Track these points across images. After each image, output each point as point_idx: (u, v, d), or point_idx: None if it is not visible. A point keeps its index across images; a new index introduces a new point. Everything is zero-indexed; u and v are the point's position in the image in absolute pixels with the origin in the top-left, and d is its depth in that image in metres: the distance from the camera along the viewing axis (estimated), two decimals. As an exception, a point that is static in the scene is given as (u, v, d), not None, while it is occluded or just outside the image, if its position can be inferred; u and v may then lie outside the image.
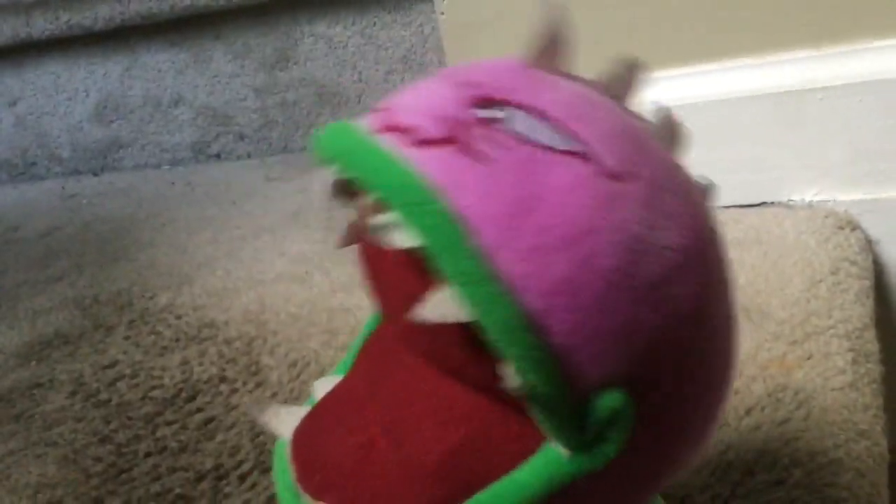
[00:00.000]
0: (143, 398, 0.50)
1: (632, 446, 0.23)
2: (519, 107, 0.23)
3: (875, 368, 0.45)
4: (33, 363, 0.57)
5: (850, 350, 0.43)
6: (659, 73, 0.63)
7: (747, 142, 0.61)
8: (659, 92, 0.63)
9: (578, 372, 0.22)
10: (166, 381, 0.51)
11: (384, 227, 0.22)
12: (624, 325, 0.22)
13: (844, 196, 0.60)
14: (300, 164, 0.94)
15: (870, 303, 0.50)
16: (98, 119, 1.07)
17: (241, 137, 1.00)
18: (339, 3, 0.91)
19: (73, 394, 0.52)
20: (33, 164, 1.13)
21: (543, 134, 0.23)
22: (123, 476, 0.43)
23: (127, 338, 0.58)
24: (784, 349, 0.43)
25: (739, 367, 0.42)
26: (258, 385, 0.49)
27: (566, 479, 0.23)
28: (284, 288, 0.61)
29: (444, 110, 0.23)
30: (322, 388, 0.29)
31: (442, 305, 0.21)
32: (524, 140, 0.22)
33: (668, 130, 0.25)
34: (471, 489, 0.23)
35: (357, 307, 0.55)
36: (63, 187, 1.06)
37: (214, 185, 0.93)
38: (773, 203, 0.61)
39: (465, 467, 0.24)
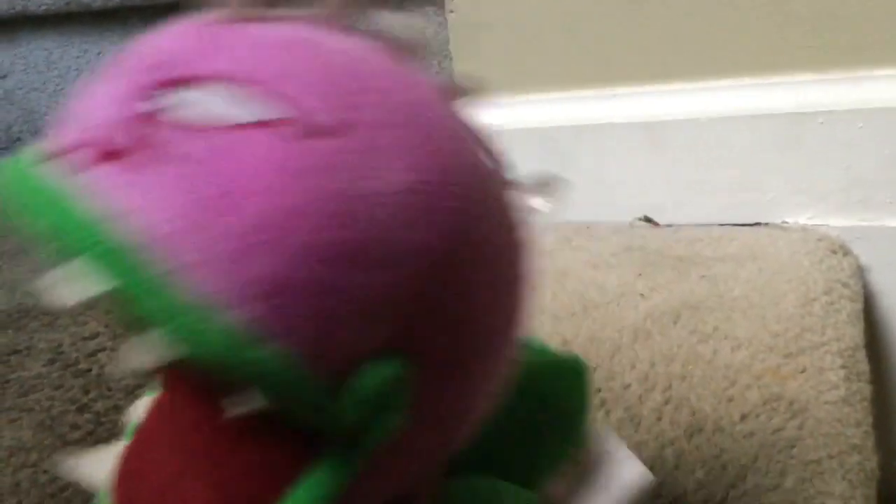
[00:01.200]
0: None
1: (422, 406, 0.21)
2: (205, 80, 0.20)
3: (866, 387, 0.45)
4: (10, 331, 0.56)
5: (843, 367, 0.43)
6: (659, 88, 0.64)
7: (744, 162, 0.62)
8: (659, 107, 0.63)
9: (322, 362, 0.19)
10: (148, 355, 0.50)
11: (55, 284, 0.19)
12: (354, 295, 0.19)
13: (838, 221, 0.60)
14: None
15: (860, 325, 0.51)
16: (88, 99, 1.06)
17: (233, 127, 1.00)
18: None
19: (51, 362, 0.51)
20: (17, 139, 1.12)
21: (234, 107, 0.20)
22: (101, 444, 0.42)
23: (109, 311, 0.57)
24: (778, 361, 0.43)
25: (735, 376, 0.42)
26: (244, 364, 0.48)
27: (353, 467, 0.21)
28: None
29: (114, 114, 0.20)
30: (136, 411, 0.27)
31: (142, 349, 0.19)
32: (210, 126, 0.19)
33: (396, 40, 0.23)
34: None
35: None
36: (47, 165, 1.05)
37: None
38: (767, 224, 0.62)
39: None
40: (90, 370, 0.49)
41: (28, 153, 0.21)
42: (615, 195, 0.64)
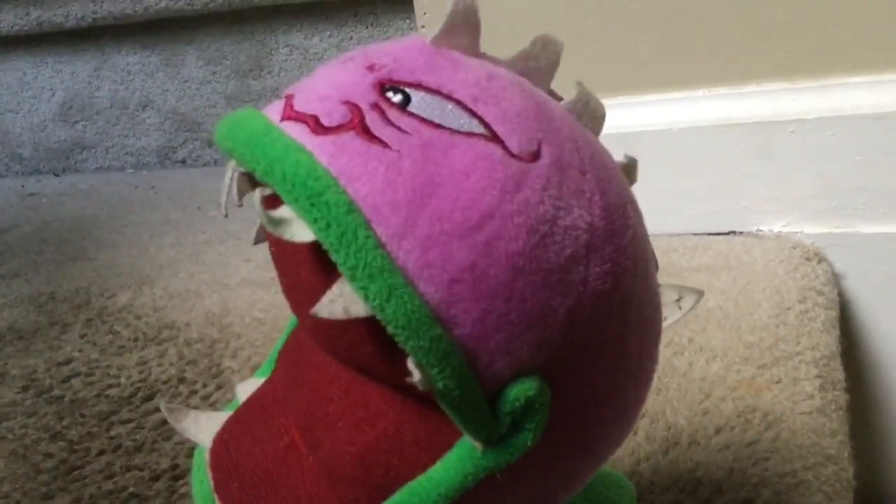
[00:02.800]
0: (97, 396, 0.48)
1: (549, 437, 0.22)
2: (422, 88, 0.22)
3: (841, 396, 0.45)
4: (-16, 357, 0.56)
5: (818, 376, 0.44)
6: (633, 99, 0.64)
7: (718, 171, 0.62)
8: (632, 117, 0.64)
9: (488, 362, 0.21)
10: (123, 380, 0.50)
11: (281, 222, 0.21)
12: (533, 312, 0.21)
13: (812, 229, 0.60)
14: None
15: (835, 333, 0.51)
16: (63, 119, 1.05)
17: (209, 144, 0.99)
18: (316, 16, 0.91)
19: (24, 389, 0.50)
20: (-8, 161, 1.11)
21: (446, 115, 0.22)
22: (75, 473, 0.41)
23: (83, 336, 0.57)
24: (753, 372, 0.43)
25: (709, 388, 0.42)
26: (219, 387, 0.48)
27: (481, 473, 0.22)
28: (249, 292, 0.60)
29: (345, 95, 0.22)
30: (245, 390, 0.28)
31: (340, 301, 0.20)
32: (426, 122, 0.22)
33: (586, 107, 0.25)
34: (387, 489, 0.23)
35: (323, 314, 0.54)
36: (23, 186, 1.04)
37: (179, 191, 0.91)
38: (741, 232, 0.62)
39: (381, 467, 0.23)
40: (63, 397, 0.49)
41: (254, 111, 0.23)
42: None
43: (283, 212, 0.20)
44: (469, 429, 0.21)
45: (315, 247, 0.21)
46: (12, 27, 1.01)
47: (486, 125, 0.22)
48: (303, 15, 0.91)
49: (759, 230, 0.62)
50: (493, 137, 0.22)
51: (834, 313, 0.52)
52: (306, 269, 0.22)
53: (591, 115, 0.25)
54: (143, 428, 0.45)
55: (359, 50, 0.24)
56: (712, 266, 0.55)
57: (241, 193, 0.23)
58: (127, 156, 1.03)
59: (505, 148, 0.21)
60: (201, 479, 0.26)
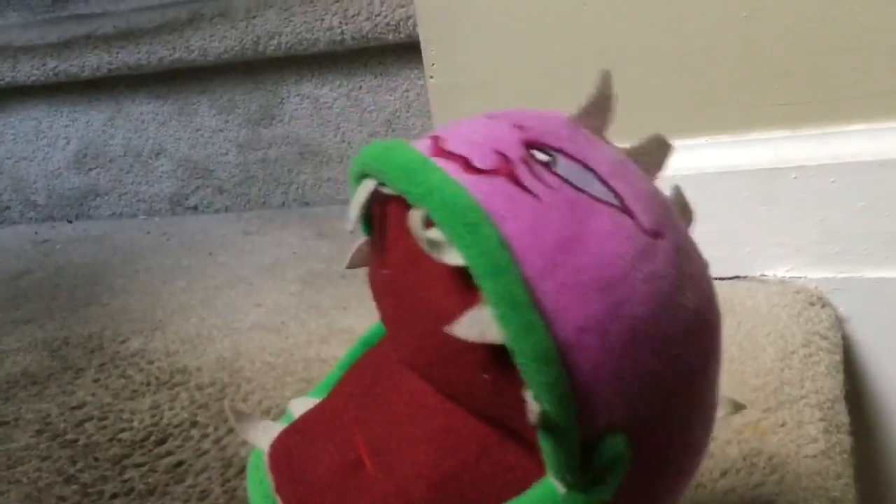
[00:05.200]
0: (110, 440, 0.49)
1: (621, 492, 0.23)
2: (566, 154, 0.24)
3: (846, 439, 0.45)
4: (-2, 402, 0.56)
5: (822, 420, 0.44)
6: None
7: (722, 216, 0.63)
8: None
9: (592, 411, 0.22)
10: (136, 423, 0.51)
11: (435, 243, 0.22)
12: (640, 373, 0.22)
13: (815, 274, 0.61)
14: (278, 220, 0.94)
15: (840, 377, 0.51)
16: (77, 167, 1.07)
17: (220, 191, 1.01)
18: (327, 66, 0.93)
19: (38, 433, 0.51)
20: (6, 208, 1.12)
21: (587, 182, 0.24)
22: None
23: (96, 380, 0.57)
24: (758, 416, 0.44)
25: (715, 431, 0.43)
26: (230, 431, 0.49)
27: None
28: (260, 337, 0.61)
29: (496, 144, 0.24)
30: (298, 407, 0.29)
31: (479, 324, 0.22)
32: (569, 184, 0.23)
33: (681, 205, 0.27)
34: None
35: (334, 358, 0.55)
36: (36, 232, 1.05)
37: (191, 236, 0.92)
38: (745, 277, 0.62)
39: (457, 496, 0.24)
40: (77, 441, 0.49)
41: (402, 142, 0.25)
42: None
43: (435, 234, 0.22)
44: (560, 470, 0.23)
45: (454, 272, 0.22)
46: (29, 77, 1.03)
47: (620, 198, 0.24)
48: (313, 65, 0.93)
49: (762, 275, 0.62)
50: (626, 210, 0.24)
51: (838, 357, 0.53)
52: (440, 292, 0.23)
53: (687, 219, 0.27)
54: (156, 471, 0.45)
55: (503, 112, 0.26)
56: (717, 310, 0.56)
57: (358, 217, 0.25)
58: (139, 202, 1.05)
59: (637, 222, 0.24)
60: (260, 479, 0.28)
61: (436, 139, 0.25)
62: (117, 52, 0.97)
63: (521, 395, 0.22)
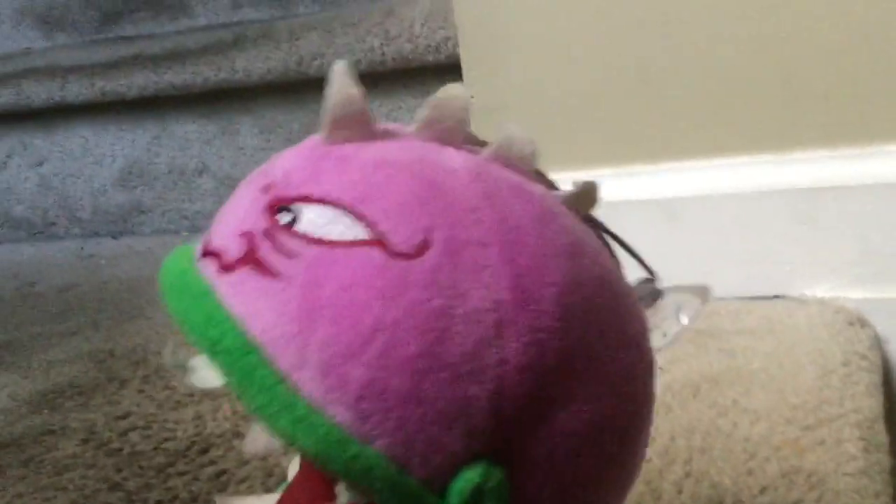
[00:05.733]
0: (155, 449, 0.50)
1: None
2: (309, 200, 0.23)
3: (885, 459, 0.45)
4: (45, 411, 0.58)
5: (862, 439, 0.44)
6: (677, 165, 0.65)
7: (762, 236, 0.63)
8: (676, 183, 0.65)
9: (421, 464, 0.21)
10: (179, 433, 0.52)
11: (195, 369, 0.22)
12: (450, 408, 0.21)
13: (855, 294, 0.61)
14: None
15: (879, 396, 0.51)
16: (122, 184, 1.09)
17: (261, 209, 1.02)
18: (367, 86, 0.93)
19: (84, 441, 0.52)
20: (53, 223, 1.15)
21: (332, 226, 0.22)
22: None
23: (141, 391, 0.59)
24: (797, 433, 0.44)
25: (754, 449, 0.43)
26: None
27: None
28: (300, 351, 0.62)
29: (242, 225, 0.23)
30: (293, 470, 0.29)
31: (262, 438, 0.22)
32: (311, 241, 0.22)
33: (510, 150, 0.25)
34: None
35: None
36: (81, 248, 1.08)
37: (232, 253, 0.94)
38: (785, 296, 0.62)
39: None
40: (122, 449, 0.51)
41: (187, 249, 0.24)
42: (633, 271, 0.65)
43: (197, 361, 0.22)
44: None
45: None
46: (77, 96, 1.06)
47: (369, 225, 0.22)
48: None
49: (802, 294, 0.62)
50: (376, 241, 0.22)
51: (878, 377, 0.53)
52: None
53: (519, 156, 0.25)
54: (199, 480, 0.46)
55: (262, 168, 0.25)
56: (756, 329, 0.56)
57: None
58: (182, 219, 1.07)
59: (387, 250, 0.22)
60: None
61: (207, 233, 0.24)
62: (164, 73, 0.99)
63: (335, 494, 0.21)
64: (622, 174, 0.67)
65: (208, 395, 0.57)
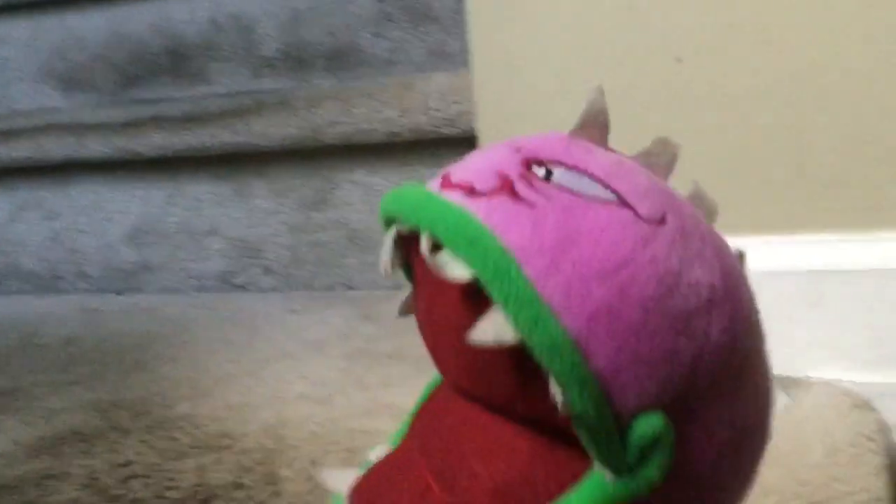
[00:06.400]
0: (156, 497, 0.50)
1: (672, 476, 0.24)
2: (563, 165, 0.27)
3: (895, 539, 0.45)
4: (46, 456, 0.57)
5: (871, 517, 0.44)
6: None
7: (769, 315, 0.63)
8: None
9: (620, 394, 0.23)
10: (181, 483, 0.51)
11: (444, 263, 0.25)
12: (661, 352, 0.24)
13: (862, 378, 0.61)
14: (323, 301, 0.96)
15: (886, 479, 0.51)
16: (132, 242, 1.10)
17: (269, 271, 1.03)
18: (382, 155, 0.96)
19: (84, 487, 0.52)
20: (60, 277, 1.15)
21: (583, 186, 0.26)
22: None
23: (143, 441, 0.58)
24: (806, 508, 0.43)
25: (762, 520, 0.42)
26: (274, 494, 0.49)
27: (610, 502, 0.24)
28: (306, 407, 0.61)
29: (497, 167, 0.26)
30: (377, 454, 0.30)
31: (492, 329, 0.23)
32: (566, 191, 0.26)
33: (698, 197, 0.29)
34: None
35: (378, 431, 0.56)
36: (86, 303, 1.08)
37: (238, 312, 0.94)
38: (791, 377, 0.62)
39: (514, 500, 0.25)
40: (123, 496, 0.50)
41: (414, 186, 0.28)
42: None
43: (444, 256, 0.25)
44: (601, 456, 0.24)
45: (467, 289, 0.24)
46: (94, 154, 1.08)
47: (619, 195, 0.26)
48: (368, 154, 0.96)
49: (808, 376, 0.62)
50: (625, 204, 0.26)
51: (885, 460, 0.52)
52: (458, 310, 0.25)
53: (708, 211, 0.29)
54: (200, 528, 0.46)
55: (509, 139, 0.29)
56: (763, 406, 0.56)
57: (394, 261, 0.28)
58: (189, 279, 1.07)
59: (636, 213, 0.25)
60: None
61: (445, 175, 0.27)
62: (182, 134, 1.01)
63: (550, 392, 0.23)
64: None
65: (211, 447, 0.56)
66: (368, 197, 0.97)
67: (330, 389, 0.65)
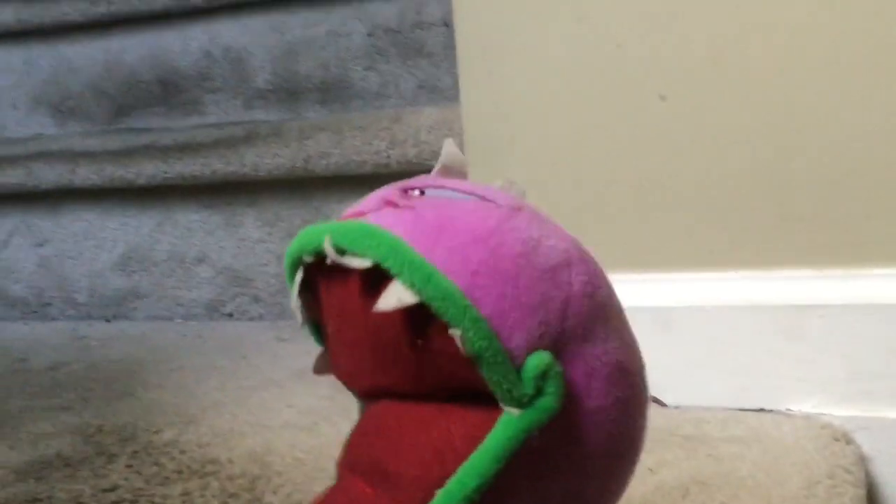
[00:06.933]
0: (141, 521, 0.50)
1: (568, 409, 0.29)
2: (433, 187, 0.33)
3: (870, 570, 0.45)
4: (32, 480, 0.58)
5: (847, 548, 0.44)
6: (668, 276, 0.67)
7: (749, 349, 0.64)
8: (667, 293, 0.67)
9: (508, 333, 0.29)
10: (166, 508, 0.52)
11: (347, 261, 0.30)
12: (536, 296, 0.29)
13: (840, 411, 0.62)
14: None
15: (865, 511, 0.52)
16: (120, 269, 1.10)
17: (257, 300, 1.04)
18: (371, 186, 0.96)
19: (70, 511, 0.52)
20: (48, 304, 1.16)
21: (453, 195, 0.33)
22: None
23: (129, 466, 0.59)
24: (783, 537, 0.44)
25: (739, 548, 0.43)
26: (259, 519, 0.49)
27: (521, 434, 0.28)
28: (291, 435, 0.62)
29: (380, 196, 0.33)
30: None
31: (394, 294, 0.29)
32: (437, 199, 0.32)
33: (452, 157, 0.36)
34: (447, 479, 0.29)
35: (363, 458, 0.56)
36: (74, 329, 1.08)
37: (225, 340, 0.95)
38: (771, 410, 0.63)
39: (438, 462, 0.29)
40: (108, 520, 0.50)
41: (324, 223, 0.32)
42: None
43: (346, 258, 0.30)
44: (503, 391, 0.29)
45: (368, 276, 0.30)
46: (85, 181, 1.08)
47: (482, 198, 0.33)
48: (358, 185, 0.97)
49: (788, 409, 0.63)
50: (487, 200, 0.32)
51: (862, 492, 0.53)
52: (363, 298, 0.30)
53: (459, 167, 0.36)
54: (185, 552, 0.46)
55: (384, 189, 0.35)
56: (744, 438, 0.57)
57: (304, 313, 0.35)
58: (177, 307, 1.07)
59: (497, 205, 0.32)
60: None
61: (347, 212, 0.33)
62: (174, 163, 1.02)
63: (451, 340, 0.28)
64: (617, 280, 0.68)
65: (197, 473, 0.57)
66: (357, 228, 0.98)
67: (316, 417, 0.66)
